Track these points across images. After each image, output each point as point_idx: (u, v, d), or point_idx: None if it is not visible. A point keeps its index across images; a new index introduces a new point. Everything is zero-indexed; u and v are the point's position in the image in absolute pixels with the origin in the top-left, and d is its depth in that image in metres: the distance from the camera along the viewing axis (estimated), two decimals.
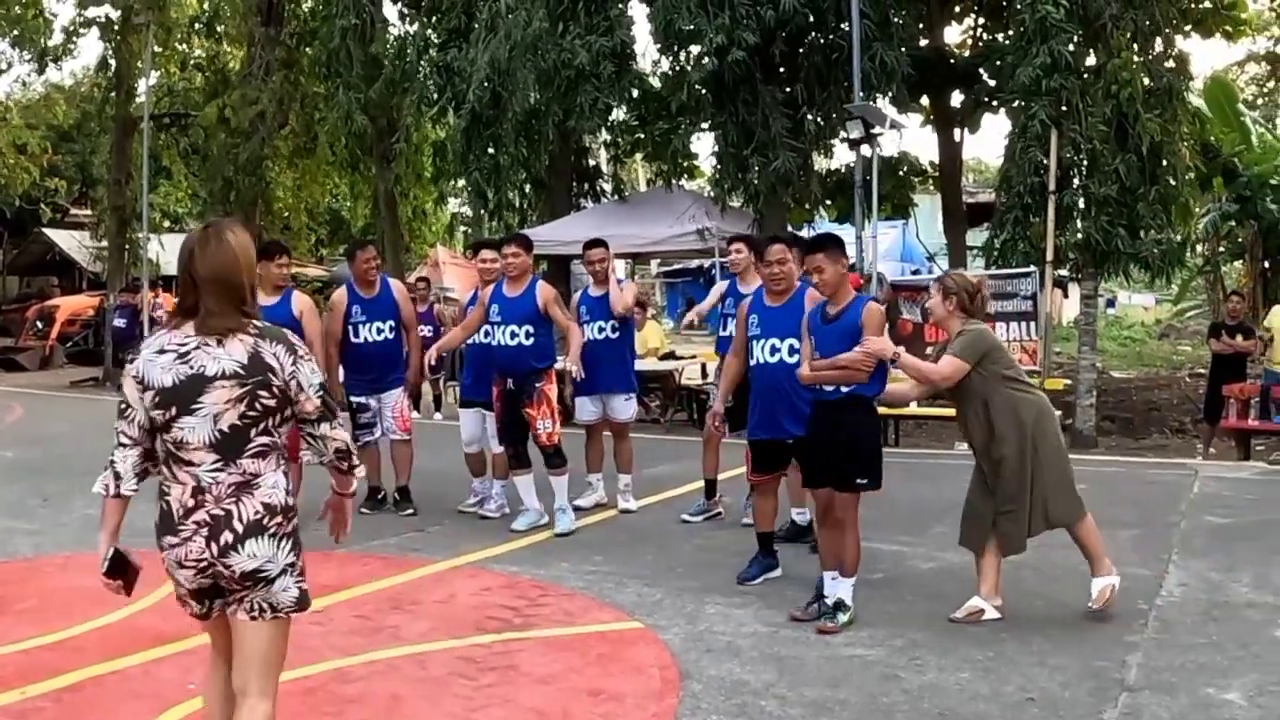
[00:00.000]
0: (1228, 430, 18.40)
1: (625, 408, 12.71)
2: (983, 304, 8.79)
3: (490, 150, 23.73)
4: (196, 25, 35.61)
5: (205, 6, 35.20)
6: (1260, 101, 52.21)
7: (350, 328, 12.41)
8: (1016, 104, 19.58)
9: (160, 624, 8.19)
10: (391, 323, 12.54)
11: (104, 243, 36.49)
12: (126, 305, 30.43)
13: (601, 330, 12.47)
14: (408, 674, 7.33)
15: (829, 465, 8.38)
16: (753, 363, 9.50)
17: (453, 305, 18.30)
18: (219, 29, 35.23)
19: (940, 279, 9.03)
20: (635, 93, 23.73)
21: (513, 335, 11.37)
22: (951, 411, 9.83)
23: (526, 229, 24.12)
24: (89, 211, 44.12)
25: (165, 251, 36.48)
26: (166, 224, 41.53)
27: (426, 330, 19.33)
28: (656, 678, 7.26)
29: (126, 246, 34.31)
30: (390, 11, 27.60)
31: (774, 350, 9.30)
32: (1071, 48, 18.73)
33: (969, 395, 8.50)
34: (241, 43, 33.23)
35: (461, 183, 27.57)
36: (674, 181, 24.39)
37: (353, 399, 12.48)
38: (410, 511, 12.42)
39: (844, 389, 8.30)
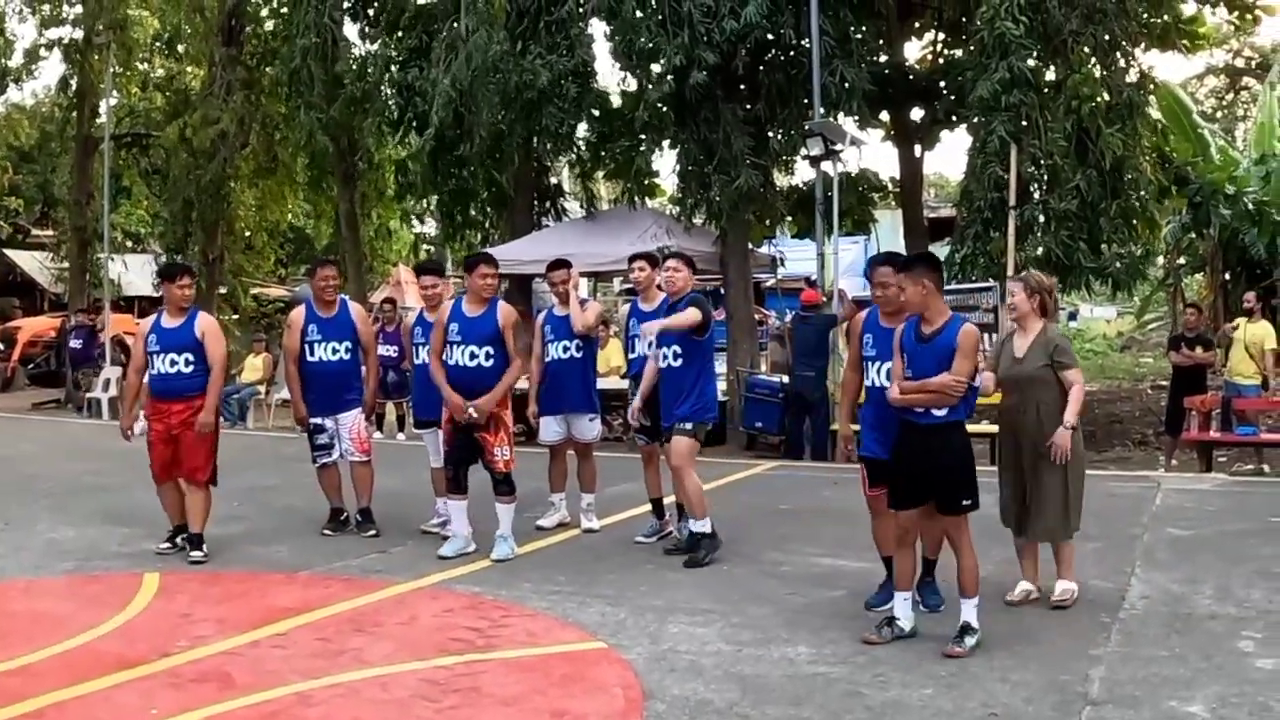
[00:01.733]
0: (1189, 442, 18.48)
1: (590, 428, 12.67)
2: (1056, 306, 9.67)
3: (458, 171, 23.71)
4: (157, 44, 35.57)
5: (166, 26, 35.14)
6: (1219, 115, 52.56)
7: (306, 346, 12.35)
8: (976, 119, 19.62)
9: (122, 649, 8.18)
10: (348, 344, 12.44)
11: (65, 263, 36.40)
12: (83, 326, 30.27)
13: (566, 350, 12.42)
14: (370, 697, 7.30)
15: (929, 490, 8.33)
16: (868, 383, 9.34)
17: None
18: (180, 49, 35.20)
19: (1025, 279, 9.67)
20: (597, 111, 23.71)
21: (472, 356, 11.19)
22: None
23: (489, 248, 24.12)
24: (50, 232, 43.97)
25: (128, 272, 36.43)
26: (128, 244, 41.45)
27: (392, 350, 19.29)
28: (620, 698, 7.25)
29: (88, 267, 34.24)
30: (351, 31, 27.56)
31: (881, 372, 9.13)
32: (1031, 63, 18.81)
33: (1036, 388, 9.27)
34: (202, 63, 33.17)
35: (427, 202, 27.55)
36: (637, 200, 24.40)
37: (310, 420, 12.44)
38: (372, 533, 12.33)
39: (937, 413, 8.23)
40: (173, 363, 11.35)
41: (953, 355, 8.15)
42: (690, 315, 10.97)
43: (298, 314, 12.58)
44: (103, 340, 29.39)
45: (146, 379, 11.55)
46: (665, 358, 11.21)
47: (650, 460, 12.17)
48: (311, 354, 12.35)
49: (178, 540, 11.52)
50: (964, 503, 8.25)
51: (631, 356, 12.22)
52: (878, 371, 9.17)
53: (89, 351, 29.57)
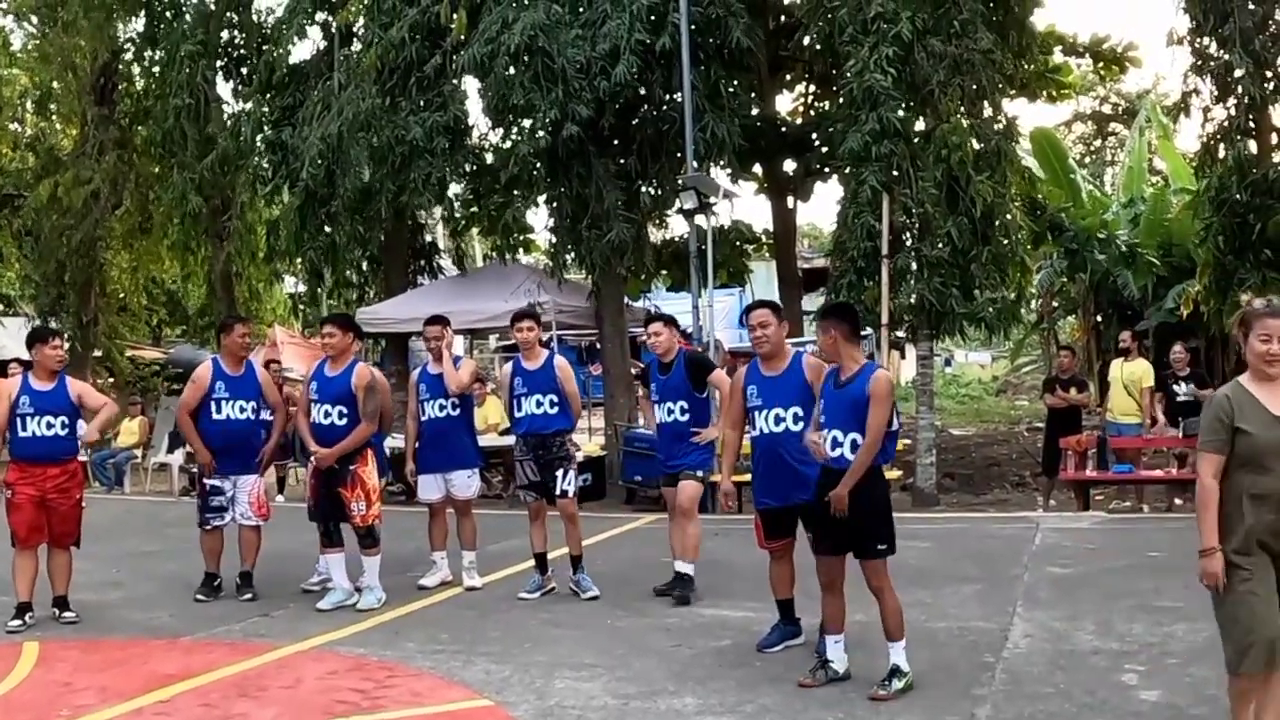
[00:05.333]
0: (1066, 482, 18.69)
1: (467, 485, 12.64)
2: None
3: (326, 228, 23.58)
4: (27, 102, 35.09)
5: (36, 84, 34.67)
6: (1088, 160, 53.46)
7: (212, 403, 12.20)
8: (847, 170, 19.77)
9: None
10: (254, 403, 12.38)
11: None
12: None
13: (443, 408, 12.44)
14: None
15: (846, 535, 8.36)
16: (755, 433, 9.52)
17: (296, 385, 17.88)
18: (51, 107, 34.73)
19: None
20: (470, 167, 23.68)
21: (326, 414, 11.57)
22: None
23: (365, 306, 24.03)
24: None
25: (5, 332, 35.77)
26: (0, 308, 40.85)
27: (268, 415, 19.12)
28: None
29: None
30: (224, 89, 27.43)
31: (779, 420, 9.30)
32: (900, 114, 18.98)
33: None
34: (74, 121, 32.74)
35: (299, 261, 27.34)
36: (509, 256, 24.45)
37: (207, 481, 12.29)
38: (249, 596, 12.14)
39: (850, 457, 8.30)
40: (49, 425, 11.25)
41: (863, 401, 8.26)
42: (725, 383, 11.36)
43: (204, 370, 12.41)
44: None
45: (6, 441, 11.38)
46: (671, 412, 11.56)
47: (538, 516, 12.11)
48: (218, 411, 12.20)
49: (27, 619, 11.23)
50: (879, 548, 8.32)
51: (518, 415, 12.17)
52: (765, 419, 9.32)
53: None
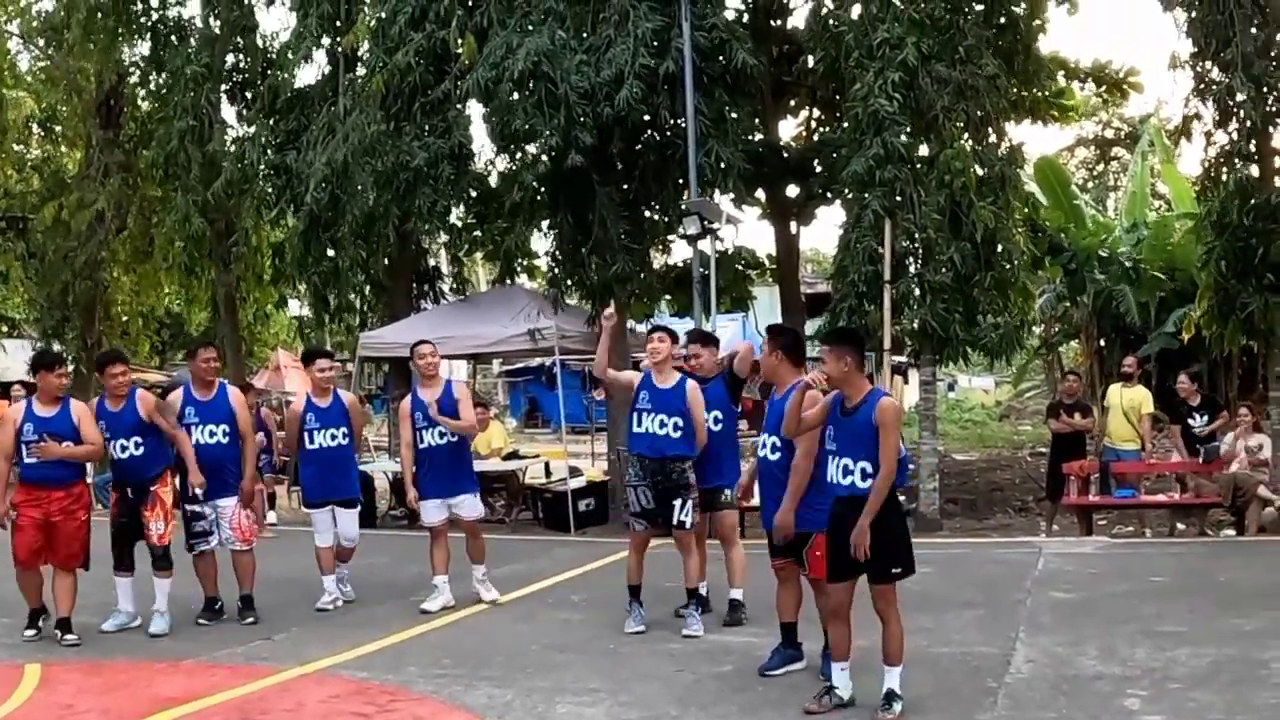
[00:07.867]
0: (1069, 507, 18.67)
1: (474, 504, 12.67)
2: None
3: (330, 253, 23.57)
4: (32, 124, 35.14)
5: (42, 106, 34.74)
6: (1091, 185, 53.49)
7: (183, 429, 12.22)
8: (850, 195, 19.75)
9: None
10: (225, 427, 12.31)
11: None
12: None
13: (442, 435, 12.40)
14: None
15: (861, 561, 8.30)
16: (760, 454, 9.76)
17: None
18: (56, 129, 34.80)
19: None
20: (474, 193, 23.67)
21: (123, 448, 11.78)
22: None
23: (367, 331, 24.03)
24: None
25: (7, 356, 35.84)
26: (4, 329, 40.88)
27: (257, 436, 19.14)
28: None
29: None
30: (228, 113, 27.46)
31: (763, 445, 9.61)
32: (904, 139, 18.97)
33: None
34: (79, 144, 32.78)
35: (303, 286, 27.33)
36: (510, 280, 24.41)
37: (187, 506, 12.27)
38: (252, 620, 12.12)
39: (860, 485, 8.28)
40: None
41: (870, 428, 8.25)
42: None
43: (175, 396, 12.47)
44: None
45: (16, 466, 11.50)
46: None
47: (644, 547, 11.76)
48: (189, 436, 12.23)
49: (40, 624, 11.50)
50: (893, 570, 8.31)
51: (636, 431, 11.69)
52: (762, 446, 9.35)
53: None
